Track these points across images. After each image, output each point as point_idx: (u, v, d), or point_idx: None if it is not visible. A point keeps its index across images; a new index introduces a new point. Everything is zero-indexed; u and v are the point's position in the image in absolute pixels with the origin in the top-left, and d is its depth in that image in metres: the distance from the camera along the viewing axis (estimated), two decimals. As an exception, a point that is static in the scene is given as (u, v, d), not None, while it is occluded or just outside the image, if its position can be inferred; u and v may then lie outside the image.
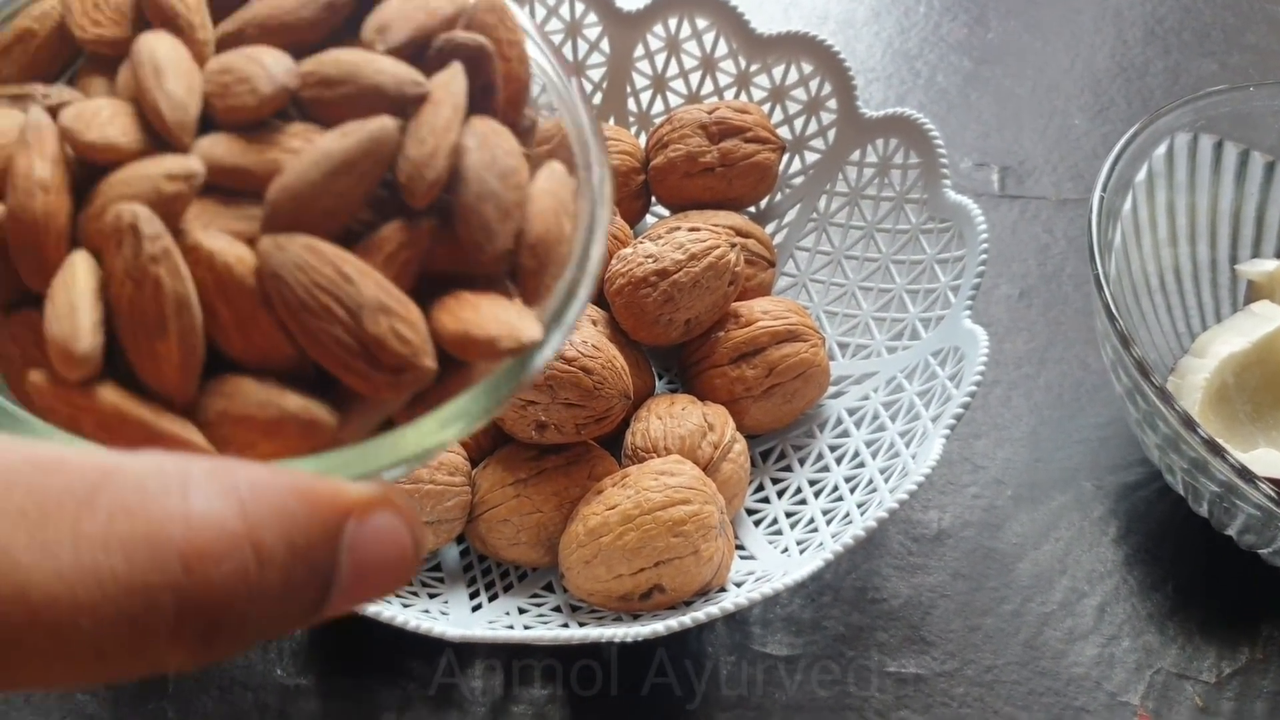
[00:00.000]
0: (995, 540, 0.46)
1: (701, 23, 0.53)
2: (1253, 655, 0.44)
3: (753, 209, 0.53)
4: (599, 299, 0.46)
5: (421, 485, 0.39)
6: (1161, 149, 0.49)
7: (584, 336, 0.40)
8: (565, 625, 0.39)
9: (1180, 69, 0.67)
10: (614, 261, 0.45)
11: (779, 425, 0.46)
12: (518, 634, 0.36)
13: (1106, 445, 0.49)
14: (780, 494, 0.45)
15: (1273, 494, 0.37)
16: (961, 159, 0.60)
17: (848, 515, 0.41)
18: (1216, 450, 0.38)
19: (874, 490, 0.41)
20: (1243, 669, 0.43)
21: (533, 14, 0.53)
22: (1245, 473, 0.38)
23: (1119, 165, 0.46)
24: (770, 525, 0.43)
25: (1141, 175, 0.48)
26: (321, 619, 0.17)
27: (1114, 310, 0.41)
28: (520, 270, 0.20)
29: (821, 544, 0.40)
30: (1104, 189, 0.44)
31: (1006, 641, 0.44)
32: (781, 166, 0.52)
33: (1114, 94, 0.64)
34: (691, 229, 0.45)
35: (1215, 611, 0.45)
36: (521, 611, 0.40)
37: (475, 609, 0.40)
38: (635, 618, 0.39)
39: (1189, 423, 0.39)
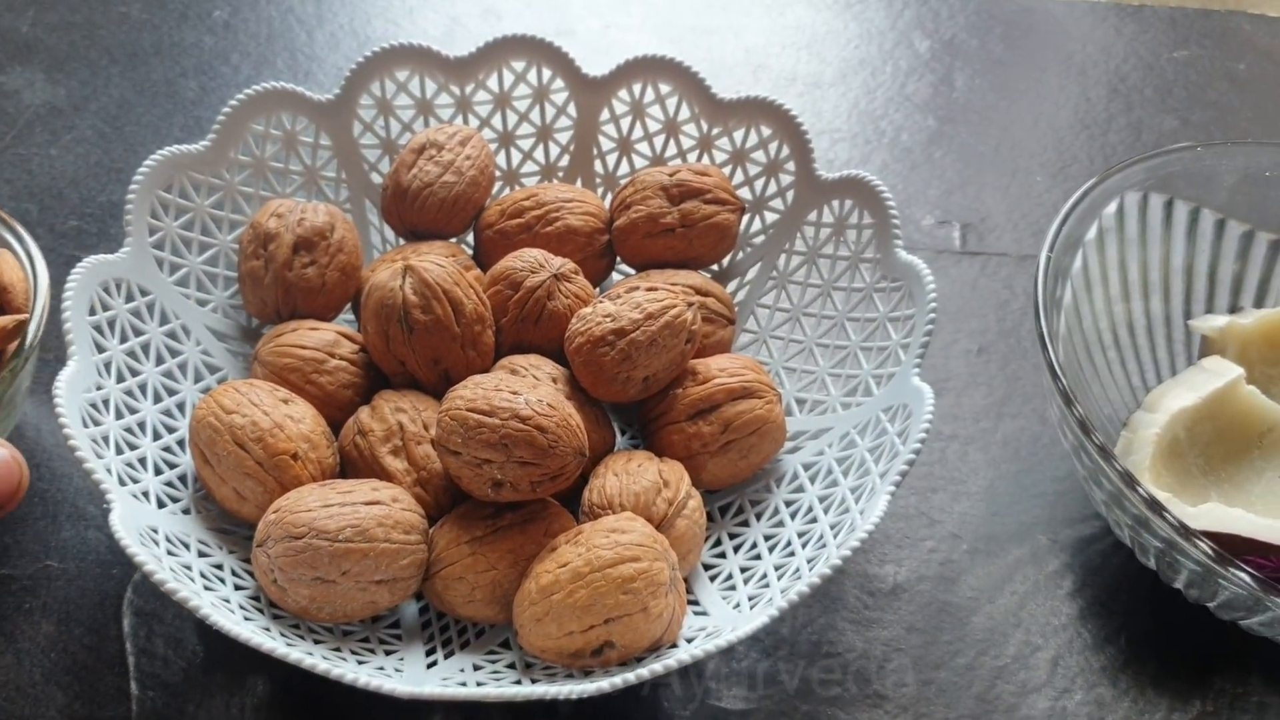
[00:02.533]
0: (950, 594, 0.47)
1: (664, 88, 0.54)
2: (1203, 708, 0.44)
3: (716, 267, 0.54)
4: (559, 356, 0.47)
5: (377, 544, 0.40)
6: (1112, 207, 0.50)
7: (539, 395, 0.41)
8: (518, 682, 0.40)
9: (1142, 126, 0.68)
10: (573, 320, 0.46)
11: (736, 480, 0.47)
12: (466, 691, 0.36)
13: (1062, 499, 0.50)
14: (737, 549, 0.45)
15: (1210, 551, 0.38)
16: (924, 216, 0.61)
17: (798, 571, 0.42)
18: (1156, 508, 0.39)
19: (824, 545, 0.42)
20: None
21: (500, 80, 0.55)
22: (1184, 530, 0.39)
23: (1067, 224, 0.47)
24: (725, 580, 0.44)
25: (1092, 233, 0.49)
26: None
27: (1057, 368, 0.42)
28: None
29: (771, 599, 0.41)
30: (1051, 249, 0.46)
31: (959, 695, 0.44)
32: (742, 226, 0.53)
33: (1076, 151, 0.66)
34: (649, 289, 0.46)
35: (1167, 664, 0.45)
36: (476, 668, 0.41)
37: (431, 666, 0.41)
38: (587, 674, 0.39)
39: (1129, 480, 0.39)
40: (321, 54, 0.68)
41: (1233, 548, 0.45)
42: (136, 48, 0.67)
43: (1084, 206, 0.48)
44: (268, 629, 0.39)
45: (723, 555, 0.45)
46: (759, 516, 0.46)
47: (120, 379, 0.44)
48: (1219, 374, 0.49)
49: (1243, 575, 0.38)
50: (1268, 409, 0.49)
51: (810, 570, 0.40)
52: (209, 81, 0.66)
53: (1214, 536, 0.44)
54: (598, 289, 0.53)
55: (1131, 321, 0.52)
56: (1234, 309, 0.53)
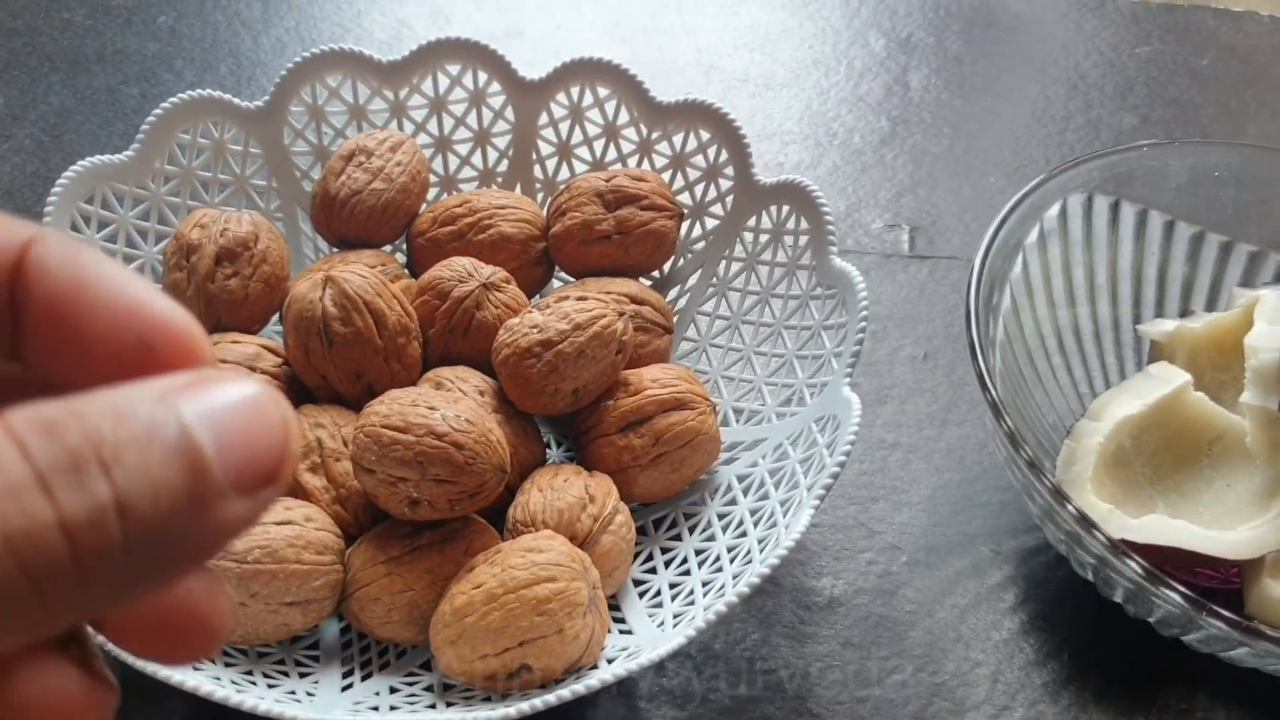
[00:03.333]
0: (888, 608, 0.46)
1: (603, 91, 0.53)
2: (1145, 724, 0.43)
3: (656, 274, 0.53)
4: (489, 368, 0.46)
5: (287, 565, 0.39)
6: (1054, 210, 0.49)
7: (458, 410, 0.40)
8: (433, 706, 0.39)
9: (1101, 124, 0.67)
10: (501, 332, 0.45)
11: (668, 494, 0.46)
12: (375, 717, 0.35)
13: (1006, 509, 0.49)
14: (668, 564, 0.44)
15: (1140, 570, 0.37)
16: (873, 220, 0.60)
17: (723, 587, 0.41)
18: (1087, 525, 0.38)
19: (749, 561, 0.41)
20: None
21: (435, 84, 0.54)
22: (1115, 547, 0.38)
23: (1004, 229, 0.46)
24: (653, 597, 0.43)
25: (1032, 237, 0.48)
26: (239, 521, 0.16)
27: (987, 377, 0.41)
28: None
29: (693, 618, 0.40)
30: (986, 254, 0.45)
31: (895, 713, 0.43)
32: (683, 232, 0.52)
33: (1032, 150, 0.65)
34: (580, 298, 0.45)
35: (1110, 680, 0.44)
36: (393, 691, 0.40)
37: (346, 689, 0.40)
38: (505, 697, 0.38)
39: (1059, 497, 0.38)
40: (267, 59, 0.67)
41: (1178, 560, 0.44)
42: (79, 55, 0.66)
43: (1023, 210, 0.47)
44: (176, 653, 0.38)
45: (654, 571, 0.44)
46: (692, 530, 0.45)
47: (34, 396, 0.43)
48: (1166, 380, 0.48)
49: (1173, 595, 0.37)
50: (1217, 416, 0.47)
51: (735, 586, 0.39)
52: (151, 89, 0.65)
53: (1156, 550, 0.43)
54: (538, 297, 0.52)
55: (1078, 327, 0.51)
56: (1185, 313, 0.52)
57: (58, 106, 0.63)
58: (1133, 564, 0.37)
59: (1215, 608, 0.37)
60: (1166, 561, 0.44)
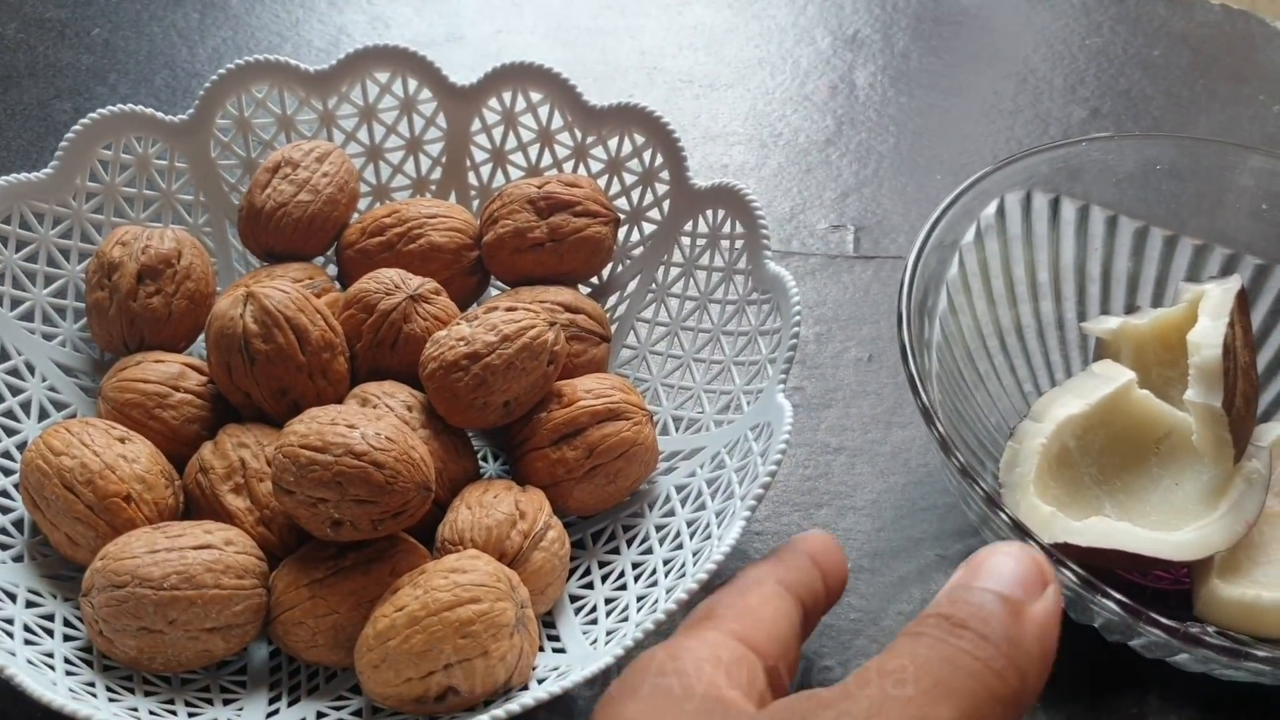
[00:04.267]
0: (833, 616, 0.45)
1: (535, 96, 0.52)
2: (1092, 729, 0.42)
3: (596, 280, 0.52)
4: (418, 382, 0.45)
5: (205, 591, 0.37)
6: (990, 208, 0.48)
7: (378, 429, 0.39)
8: (359, 731, 0.38)
9: (1050, 117, 0.66)
10: (428, 345, 0.44)
11: (605, 506, 0.45)
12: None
13: (952, 513, 0.48)
14: (605, 579, 0.43)
15: (1076, 577, 0.36)
16: (818, 220, 0.59)
17: (656, 602, 0.40)
18: (1021, 531, 0.37)
19: (683, 575, 0.40)
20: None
21: (365, 93, 0.52)
22: (1050, 554, 0.37)
23: (938, 229, 0.45)
24: (589, 614, 0.42)
25: (969, 236, 0.47)
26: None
27: (919, 382, 0.40)
28: None
29: (626, 634, 0.39)
30: (919, 255, 0.44)
31: (839, 724, 0.42)
32: (621, 237, 0.51)
33: (980, 146, 0.64)
34: (509, 309, 0.44)
35: (1059, 685, 0.43)
36: (320, 716, 0.39)
37: (272, 714, 0.39)
38: (433, 720, 0.38)
39: (992, 503, 0.38)
40: (204, 70, 0.66)
41: (1126, 563, 0.44)
42: (10, 69, 0.65)
43: (959, 208, 0.46)
44: (92, 684, 0.37)
45: (590, 586, 0.43)
46: (630, 543, 0.44)
47: (-53, 422, 0.42)
48: (1109, 379, 0.47)
49: (1109, 603, 0.36)
50: (1163, 413, 0.47)
51: (666, 600, 0.38)
52: (84, 102, 0.64)
53: (1101, 553, 0.42)
54: (475, 306, 0.51)
55: (1020, 326, 0.50)
56: (1131, 309, 0.51)
57: (-13, 123, 0.62)
58: (1068, 572, 0.36)
59: (1152, 614, 0.36)
60: (1115, 564, 0.44)
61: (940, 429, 0.39)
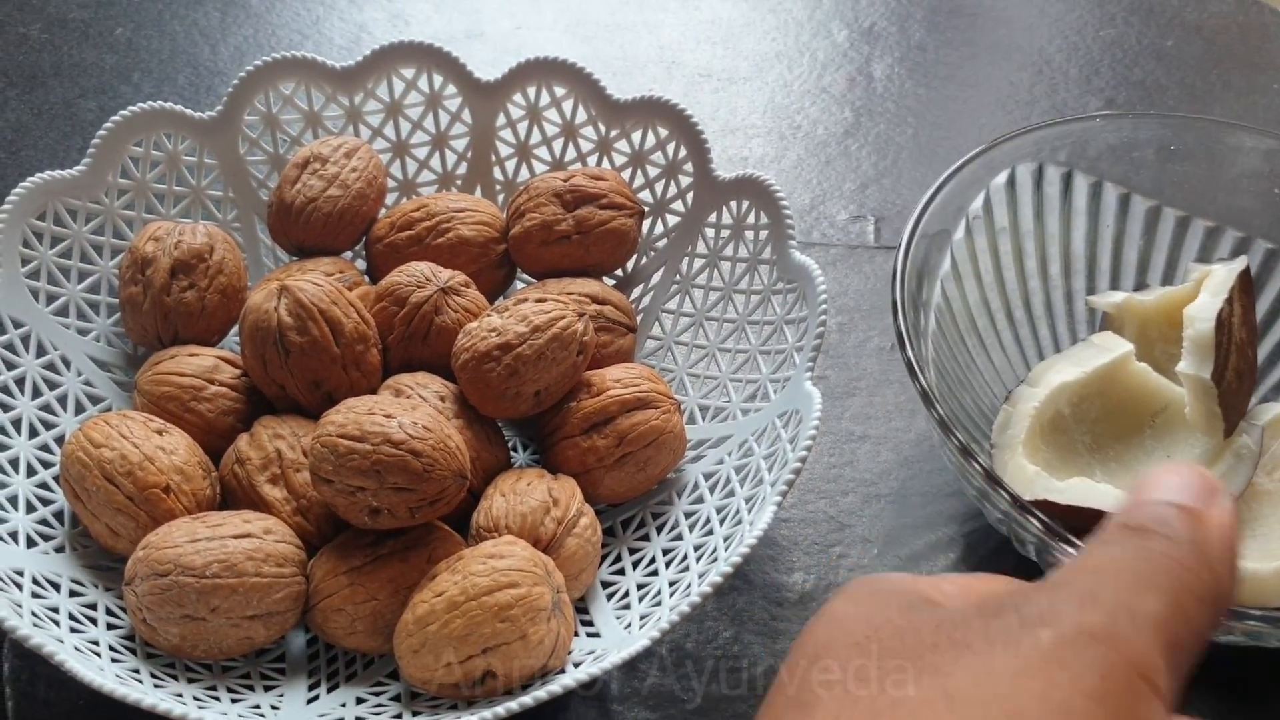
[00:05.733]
0: (860, 601, 0.46)
1: (559, 90, 0.53)
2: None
3: (620, 273, 0.53)
4: (449, 373, 0.45)
5: (246, 579, 0.38)
6: (1001, 178, 0.49)
7: (415, 418, 0.40)
8: (399, 716, 0.38)
9: (1066, 107, 0.67)
10: (460, 336, 0.45)
11: (634, 494, 0.46)
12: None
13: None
14: (636, 565, 0.44)
15: (1041, 525, 0.38)
16: (839, 211, 0.60)
17: (689, 586, 0.40)
18: (993, 481, 0.38)
19: (715, 560, 0.40)
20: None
21: (390, 89, 0.53)
22: (1018, 503, 0.38)
23: (944, 191, 0.46)
24: (622, 599, 0.43)
25: (977, 203, 0.48)
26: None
27: (906, 337, 0.41)
28: None
29: (660, 618, 0.39)
30: (922, 213, 0.45)
31: (868, 706, 0.43)
32: (645, 230, 0.52)
33: (997, 135, 0.64)
34: (539, 300, 0.45)
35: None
36: (359, 701, 0.39)
37: (312, 700, 0.40)
38: (471, 704, 0.38)
39: (966, 452, 0.39)
40: (226, 69, 0.67)
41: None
42: (35, 69, 0.66)
43: (965, 175, 0.47)
44: (137, 671, 0.38)
45: (622, 572, 0.44)
46: (660, 530, 0.45)
47: (-12, 416, 0.43)
48: (1107, 349, 0.48)
49: (1070, 550, 0.37)
50: (1161, 387, 0.47)
51: (700, 584, 0.39)
52: (109, 101, 0.64)
53: (1079, 512, 0.43)
54: (502, 299, 0.51)
55: (1027, 297, 0.50)
56: (1140, 287, 0.52)
57: (14, 122, 0.63)
58: (1033, 521, 0.37)
59: None
60: (1096, 526, 0.44)
61: (924, 381, 0.40)
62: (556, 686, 0.35)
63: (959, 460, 0.40)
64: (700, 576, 0.40)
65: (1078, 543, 0.38)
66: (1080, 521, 0.42)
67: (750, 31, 0.70)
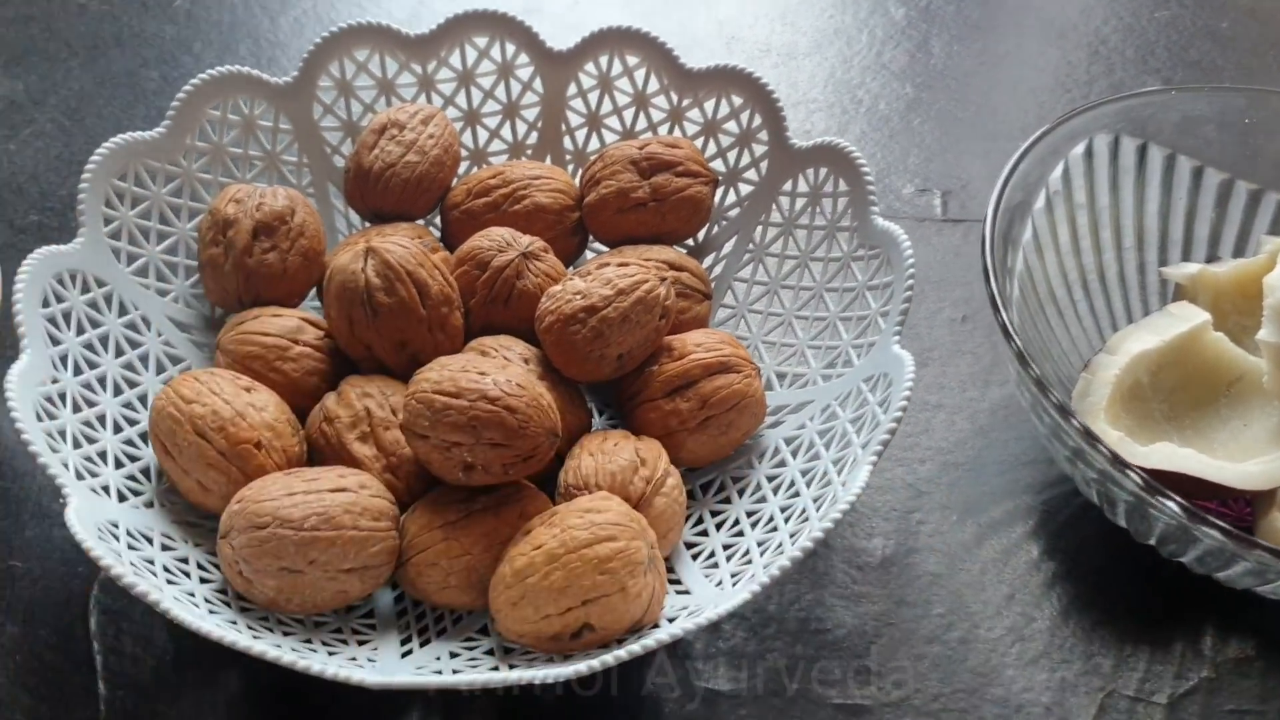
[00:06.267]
0: (941, 566, 0.46)
1: (632, 60, 0.53)
2: (1207, 674, 0.43)
3: (690, 242, 0.53)
4: (530, 337, 0.46)
5: (344, 532, 0.38)
6: (1079, 148, 0.49)
7: (508, 375, 0.40)
8: (495, 669, 0.38)
9: (1123, 87, 0.67)
10: (544, 299, 0.45)
11: (716, 457, 0.46)
12: (440, 679, 0.35)
13: (1055, 465, 0.49)
14: (719, 526, 0.44)
15: (1140, 480, 0.38)
16: (904, 185, 0.60)
17: (780, 546, 0.40)
18: (1091, 439, 0.38)
19: (806, 519, 0.40)
20: (1195, 689, 0.43)
21: (463, 57, 0.53)
22: (1117, 460, 0.38)
23: (1025, 160, 0.46)
24: (708, 559, 0.43)
25: (1056, 172, 0.48)
26: None
27: (1001, 302, 0.41)
28: None
29: (753, 575, 0.39)
30: (1006, 180, 0.45)
31: (954, 669, 0.43)
32: (717, 199, 0.52)
33: (1058, 115, 0.64)
34: (621, 264, 0.45)
35: (1168, 633, 0.44)
36: (453, 656, 0.40)
37: (406, 655, 0.40)
38: (567, 658, 0.38)
39: (1064, 411, 0.39)
40: (285, 40, 0.67)
41: (1187, 489, 0.44)
42: (96, 39, 0.66)
43: (1044, 146, 0.47)
44: (234, 622, 0.38)
45: (705, 533, 0.44)
46: (741, 493, 0.45)
47: (78, 372, 0.43)
48: (1184, 319, 0.48)
49: (1170, 505, 0.37)
50: (1236, 357, 0.47)
51: (793, 544, 0.39)
52: (171, 71, 0.65)
53: (1164, 475, 0.43)
54: (570, 268, 0.52)
55: (1102, 267, 0.51)
56: (1212, 259, 0.52)
57: (78, 91, 0.63)
58: (1133, 475, 0.37)
59: (1211, 518, 0.37)
60: (1178, 489, 0.44)
61: (1034, 371, 0.40)
62: (661, 636, 0.35)
63: (1055, 420, 0.40)
64: (791, 536, 0.40)
65: (1176, 498, 0.38)
66: (1164, 485, 0.42)
67: (808, 8, 0.70)
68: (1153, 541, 0.43)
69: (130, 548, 0.39)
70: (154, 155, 0.48)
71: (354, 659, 0.38)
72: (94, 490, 0.40)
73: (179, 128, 0.49)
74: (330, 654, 0.38)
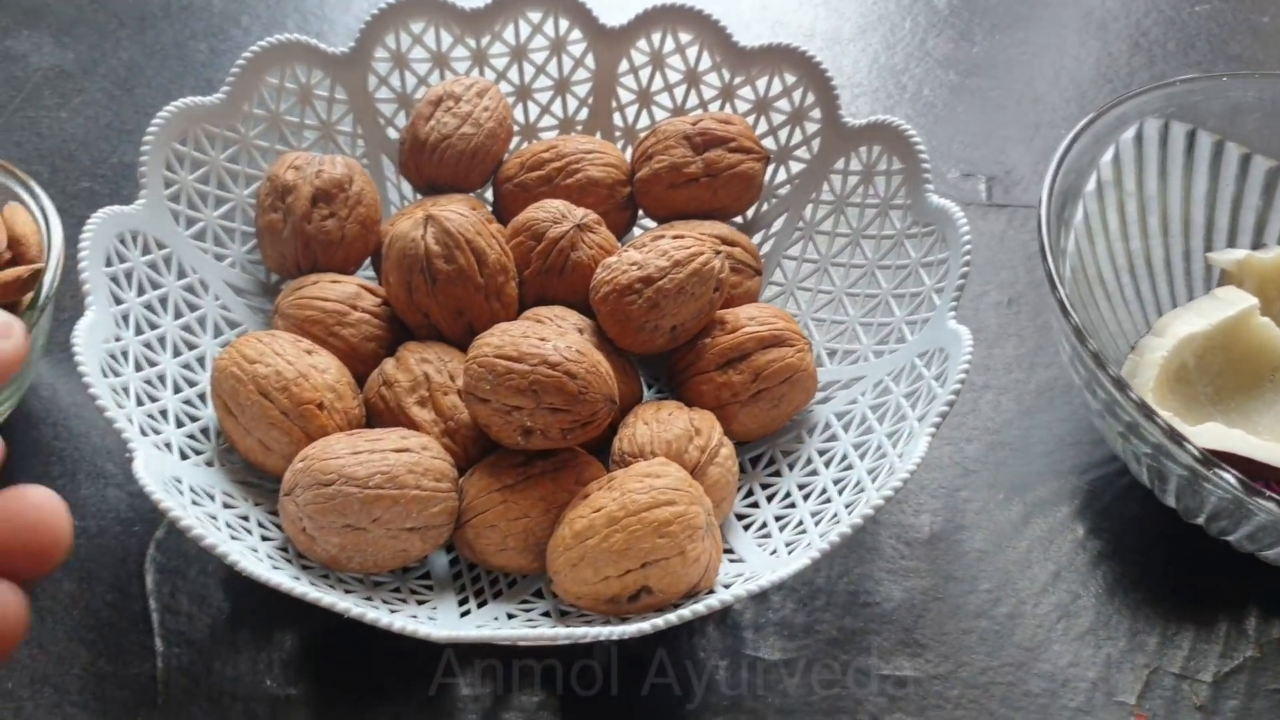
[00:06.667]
0: (989, 543, 0.46)
1: (685, 37, 0.53)
2: (1253, 654, 0.43)
3: (740, 219, 0.53)
4: (585, 307, 0.46)
5: (407, 491, 0.39)
6: (1130, 133, 0.49)
7: (569, 342, 0.40)
8: (555, 627, 0.39)
9: (1165, 79, 0.67)
10: (599, 269, 0.45)
11: (767, 430, 0.46)
12: (505, 632, 0.36)
13: (1100, 446, 0.49)
14: (770, 499, 0.45)
15: (1197, 453, 0.38)
16: (949, 170, 0.60)
17: (835, 516, 0.41)
18: (1148, 412, 0.39)
19: (861, 491, 0.41)
20: (1240, 668, 0.43)
21: (517, 32, 0.54)
22: (1173, 434, 0.38)
23: (1080, 141, 0.46)
24: (760, 529, 0.43)
25: (1108, 156, 0.48)
26: None
27: (1057, 279, 0.42)
28: None
29: (809, 544, 0.40)
30: (1062, 158, 0.45)
31: (1001, 643, 0.43)
32: (767, 177, 0.52)
33: (1100, 104, 0.64)
34: (676, 236, 0.45)
35: (1213, 611, 0.45)
36: (510, 616, 0.40)
37: (464, 614, 0.40)
38: (624, 620, 0.39)
39: (1121, 385, 0.39)
40: (333, 15, 0.67)
41: (1236, 466, 0.45)
42: (145, 11, 0.66)
43: (1098, 129, 0.47)
44: (297, 578, 0.39)
45: (755, 505, 0.45)
46: (791, 467, 0.45)
47: (139, 331, 0.43)
48: (1231, 303, 0.48)
49: (1226, 477, 0.38)
50: None
51: (850, 515, 0.39)
52: (219, 44, 0.65)
53: (1213, 455, 0.43)
54: (620, 242, 0.52)
55: (1149, 251, 0.51)
56: (1257, 246, 0.52)
57: (127, 61, 0.63)
58: (1190, 448, 0.38)
59: (1264, 490, 0.38)
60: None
61: (1093, 345, 0.40)
62: (716, 601, 0.36)
63: (1110, 394, 0.40)
64: (847, 507, 0.41)
65: (1233, 471, 0.38)
66: None
67: (851, -5, 0.70)
68: (1201, 520, 0.43)
69: (194, 503, 0.39)
70: (213, 120, 0.48)
71: (415, 616, 0.39)
72: (158, 447, 0.40)
73: (237, 94, 0.49)
74: (392, 611, 0.39)
